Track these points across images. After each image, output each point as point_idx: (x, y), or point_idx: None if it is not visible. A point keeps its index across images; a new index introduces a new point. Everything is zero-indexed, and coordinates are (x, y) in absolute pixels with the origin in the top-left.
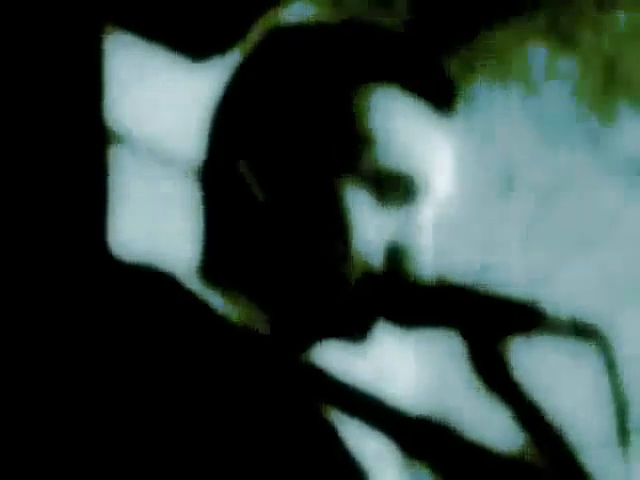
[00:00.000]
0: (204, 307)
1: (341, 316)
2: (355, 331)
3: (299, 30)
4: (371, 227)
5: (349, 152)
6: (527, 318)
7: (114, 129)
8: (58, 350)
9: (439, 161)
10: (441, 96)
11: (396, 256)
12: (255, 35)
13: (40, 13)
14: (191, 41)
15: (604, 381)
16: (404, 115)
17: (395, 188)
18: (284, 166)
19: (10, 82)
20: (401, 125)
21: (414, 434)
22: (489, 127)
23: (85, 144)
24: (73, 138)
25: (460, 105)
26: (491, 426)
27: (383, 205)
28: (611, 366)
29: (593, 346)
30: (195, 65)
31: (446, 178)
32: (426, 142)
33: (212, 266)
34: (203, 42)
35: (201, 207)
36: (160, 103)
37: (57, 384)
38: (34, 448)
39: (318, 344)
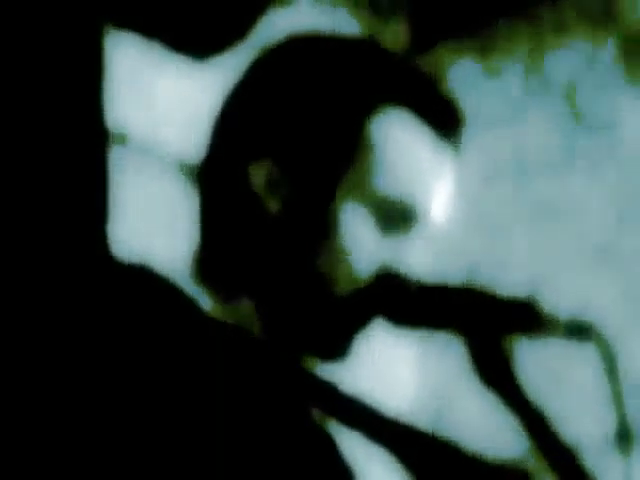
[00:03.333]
0: (199, 309)
1: (324, 331)
2: (334, 347)
3: (315, 41)
4: (368, 250)
5: (352, 173)
6: (527, 318)
7: (114, 129)
8: (54, 348)
9: (440, 189)
10: (446, 122)
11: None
12: (272, 40)
13: (40, 12)
14: (192, 40)
15: (604, 381)
16: (409, 141)
17: (395, 214)
18: (288, 175)
19: (9, 82)
20: (406, 151)
21: (411, 444)
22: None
23: (84, 144)
24: (72, 138)
25: (464, 133)
26: (492, 426)
27: (382, 229)
28: (611, 366)
29: (593, 346)
30: (196, 64)
31: (446, 207)
32: (429, 169)
33: (208, 268)
34: (204, 41)
35: (200, 208)
36: (160, 103)
37: (54, 382)
38: (31, 445)
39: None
